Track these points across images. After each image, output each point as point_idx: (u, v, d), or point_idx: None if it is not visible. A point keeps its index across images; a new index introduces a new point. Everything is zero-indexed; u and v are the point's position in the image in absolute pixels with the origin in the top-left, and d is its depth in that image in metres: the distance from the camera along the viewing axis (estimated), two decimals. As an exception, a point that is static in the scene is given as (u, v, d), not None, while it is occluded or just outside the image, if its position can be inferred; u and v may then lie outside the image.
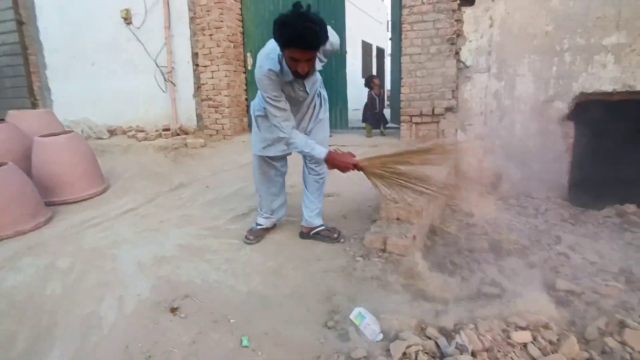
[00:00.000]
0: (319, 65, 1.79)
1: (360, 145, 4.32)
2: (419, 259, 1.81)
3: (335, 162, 1.86)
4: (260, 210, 2.34)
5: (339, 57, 5.00)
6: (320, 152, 1.87)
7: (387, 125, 5.15)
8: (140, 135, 5.12)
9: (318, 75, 2.03)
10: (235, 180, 3.51)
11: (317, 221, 2.26)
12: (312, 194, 2.26)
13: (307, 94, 1.94)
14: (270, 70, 1.72)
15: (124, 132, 5.70)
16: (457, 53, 3.94)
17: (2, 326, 1.65)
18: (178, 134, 5.24)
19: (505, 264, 2.09)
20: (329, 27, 1.72)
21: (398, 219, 2.10)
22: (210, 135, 5.19)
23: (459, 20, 3.89)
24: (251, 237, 2.25)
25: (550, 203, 3.43)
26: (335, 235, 2.22)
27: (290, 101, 1.90)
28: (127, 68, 5.86)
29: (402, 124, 4.29)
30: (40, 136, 3.32)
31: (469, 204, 3.18)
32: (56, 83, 6.75)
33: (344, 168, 1.86)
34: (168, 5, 5.36)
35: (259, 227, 2.32)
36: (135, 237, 2.46)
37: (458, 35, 3.92)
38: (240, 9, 5.40)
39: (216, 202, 3.00)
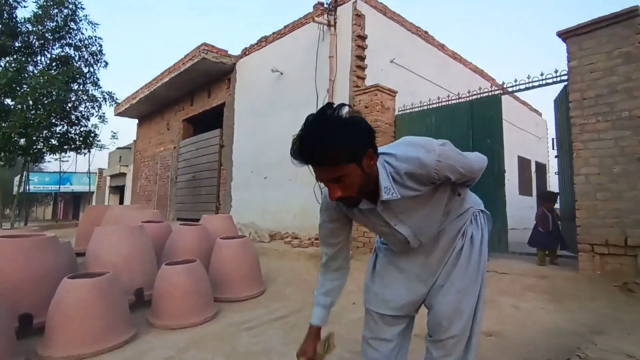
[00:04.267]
0: (408, 192, 1.13)
1: (525, 274, 3.73)
2: None
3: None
4: None
5: (495, 175, 4.77)
6: (313, 316, 1.42)
7: (559, 254, 4.34)
8: (295, 242, 5.61)
9: (462, 207, 1.35)
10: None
11: None
12: None
13: (394, 229, 1.25)
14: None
15: (282, 238, 6.34)
16: (655, 173, 3.30)
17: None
18: (327, 243, 5.55)
19: None
20: (473, 154, 1.28)
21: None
22: (357, 247, 5.31)
23: (655, 136, 3.34)
24: None
25: None
26: None
27: (392, 242, 1.36)
28: (291, 182, 6.80)
29: (580, 253, 3.60)
30: (221, 238, 3.95)
31: None
32: (237, 192, 8.26)
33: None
34: (331, 131, 6.22)
35: None
36: (284, 348, 2.49)
37: (655, 153, 3.32)
38: (394, 131, 5.87)
39: (362, 322, 2.88)
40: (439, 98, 5.61)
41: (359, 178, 1.07)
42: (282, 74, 7.50)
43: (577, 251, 3.70)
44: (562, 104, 4.51)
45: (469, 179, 1.25)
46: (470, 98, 5.23)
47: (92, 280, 2.61)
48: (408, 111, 5.88)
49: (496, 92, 5.06)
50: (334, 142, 1.00)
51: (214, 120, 9.75)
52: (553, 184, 10.72)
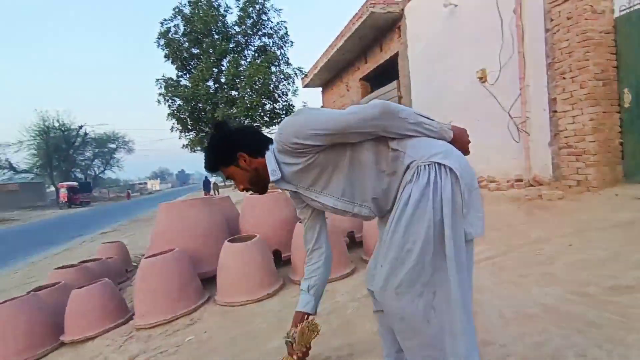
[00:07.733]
0: (293, 167, 1.24)
1: None
2: None
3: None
4: None
5: None
6: (301, 305, 1.47)
7: None
8: (492, 185, 5.31)
9: (403, 163, 1.21)
10: (610, 242, 2.92)
11: None
12: None
13: (319, 202, 1.29)
14: None
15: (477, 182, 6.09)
16: None
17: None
18: (531, 185, 5.02)
19: None
20: (351, 107, 1.20)
21: None
22: (570, 187, 4.62)
23: None
24: None
25: None
26: None
27: (342, 216, 1.37)
28: (480, 122, 6.30)
29: None
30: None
31: None
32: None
33: None
34: (524, 57, 5.40)
35: None
36: (494, 287, 2.53)
37: None
38: (614, 40, 4.64)
39: (586, 265, 2.60)
40: (689, -23, 4.07)
41: (242, 175, 1.32)
42: (456, 6, 6.85)
43: None
44: None
45: (379, 131, 1.21)
46: None
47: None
48: (637, 7, 4.50)
49: None
50: (211, 158, 1.34)
51: (388, 73, 9.83)
52: None
